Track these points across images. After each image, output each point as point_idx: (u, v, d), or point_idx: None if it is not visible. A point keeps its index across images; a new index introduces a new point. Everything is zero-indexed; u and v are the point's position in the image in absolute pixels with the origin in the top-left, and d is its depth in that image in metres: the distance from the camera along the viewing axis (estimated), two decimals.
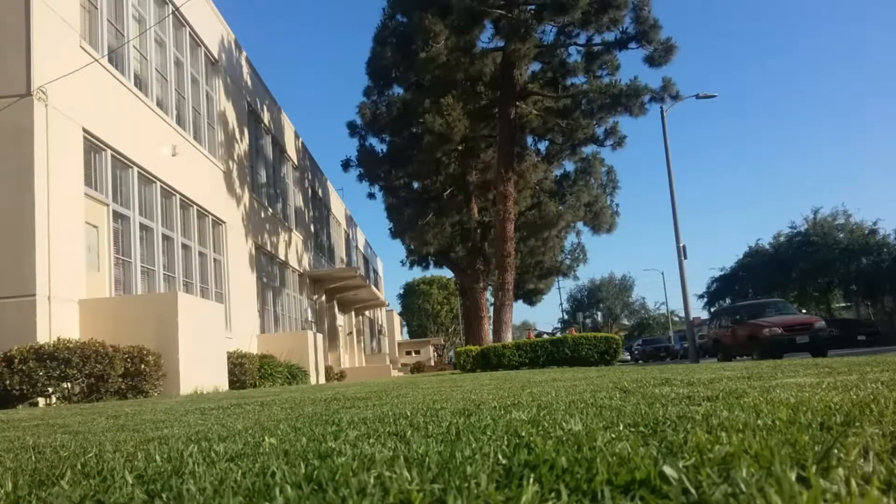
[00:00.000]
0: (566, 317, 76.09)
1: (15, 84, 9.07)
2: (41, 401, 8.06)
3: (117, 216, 11.16)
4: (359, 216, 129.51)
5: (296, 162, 24.40)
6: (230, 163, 17.00)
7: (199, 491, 0.84)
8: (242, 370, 13.10)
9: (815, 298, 43.22)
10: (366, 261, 42.59)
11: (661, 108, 22.11)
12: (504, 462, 0.89)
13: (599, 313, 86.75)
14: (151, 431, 2.98)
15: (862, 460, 0.78)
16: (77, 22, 10.43)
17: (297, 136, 24.99)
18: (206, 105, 16.07)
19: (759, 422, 1.16)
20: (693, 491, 0.68)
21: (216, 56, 16.62)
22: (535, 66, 24.35)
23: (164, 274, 12.71)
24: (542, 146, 26.71)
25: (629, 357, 40.35)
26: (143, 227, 12.02)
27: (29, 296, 8.65)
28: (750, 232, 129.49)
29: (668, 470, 0.74)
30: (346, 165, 25.49)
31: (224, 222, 16.04)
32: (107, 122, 10.83)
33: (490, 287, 27.44)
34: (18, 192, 8.84)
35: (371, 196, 26.66)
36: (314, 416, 2.53)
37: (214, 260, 15.56)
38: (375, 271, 47.18)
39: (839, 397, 1.59)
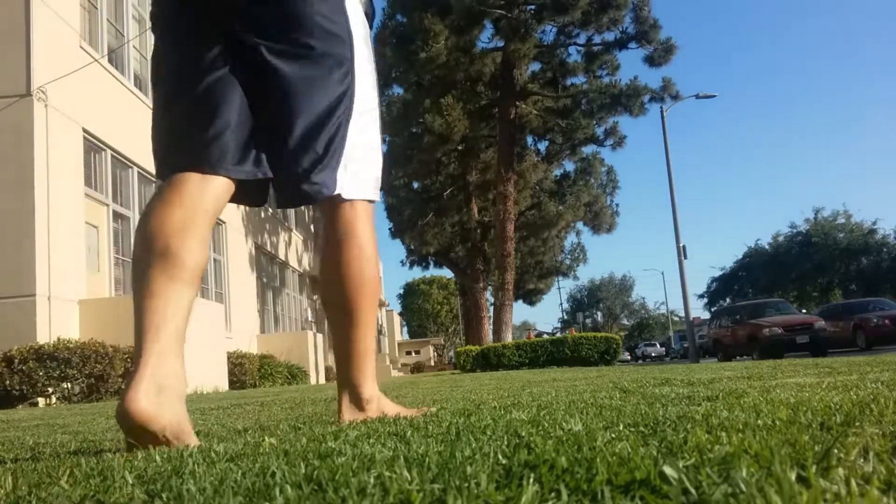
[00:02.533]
0: (566, 317, 76.11)
1: (15, 84, 9.06)
2: (41, 401, 8.06)
3: (117, 216, 11.16)
4: None
5: None
6: None
7: (199, 491, 0.84)
8: (242, 370, 13.10)
9: (815, 298, 43.26)
10: None
11: (661, 107, 22.12)
12: (504, 462, 0.89)
13: (599, 313, 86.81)
14: None
15: (862, 460, 0.78)
16: (77, 22, 10.42)
17: None
18: None
19: (759, 422, 1.16)
20: (693, 491, 0.68)
21: None
22: (535, 66, 24.37)
23: None
24: (542, 146, 26.75)
25: (629, 356, 40.19)
26: None
27: (29, 296, 8.65)
28: (750, 232, 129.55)
29: (668, 470, 0.74)
30: None
31: (224, 222, 16.04)
32: (107, 122, 10.83)
33: (490, 287, 27.46)
34: (18, 192, 8.84)
35: None
36: (314, 416, 2.53)
37: (214, 260, 15.57)
38: None
39: (839, 397, 1.60)
